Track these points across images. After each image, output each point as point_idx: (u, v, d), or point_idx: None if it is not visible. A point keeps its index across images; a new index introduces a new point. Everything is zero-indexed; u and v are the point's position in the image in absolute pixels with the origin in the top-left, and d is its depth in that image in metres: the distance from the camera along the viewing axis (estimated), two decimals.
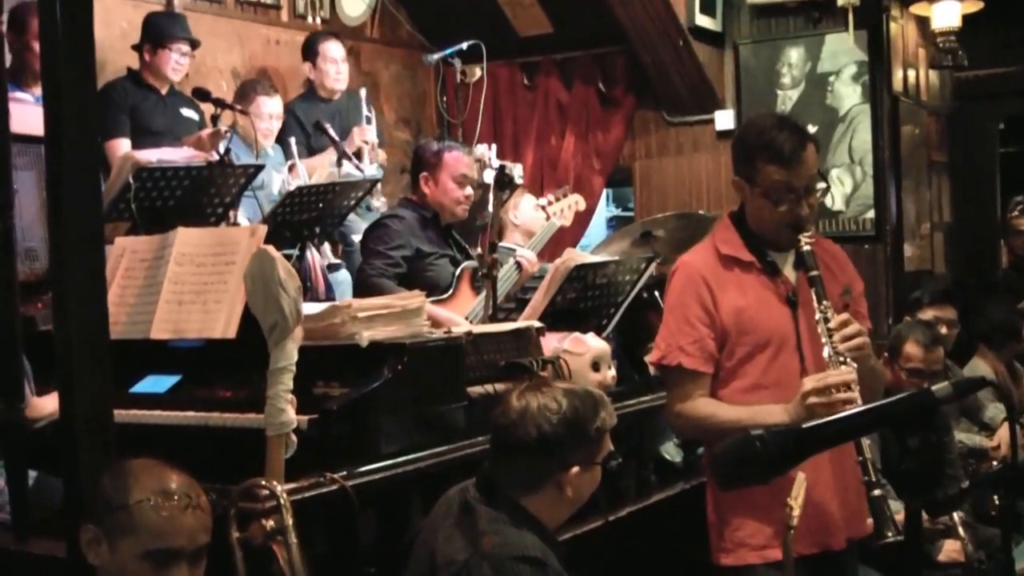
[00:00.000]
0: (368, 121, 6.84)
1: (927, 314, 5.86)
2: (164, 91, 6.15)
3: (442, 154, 5.71)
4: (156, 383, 3.86)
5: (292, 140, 6.40)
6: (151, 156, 5.13)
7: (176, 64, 6.10)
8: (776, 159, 3.42)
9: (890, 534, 3.16)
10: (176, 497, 2.58)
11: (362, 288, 5.45)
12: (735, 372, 3.51)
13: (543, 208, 6.36)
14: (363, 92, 7.01)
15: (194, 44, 6.19)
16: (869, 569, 4.48)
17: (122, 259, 4.09)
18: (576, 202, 6.43)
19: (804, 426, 2.02)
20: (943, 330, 5.80)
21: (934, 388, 1.99)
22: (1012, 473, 3.33)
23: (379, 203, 6.61)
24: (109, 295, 3.84)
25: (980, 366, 6.51)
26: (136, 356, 3.87)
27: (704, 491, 3.70)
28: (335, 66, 7.00)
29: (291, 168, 6.14)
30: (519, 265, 5.67)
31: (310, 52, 7.06)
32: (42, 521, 3.46)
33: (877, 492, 3.22)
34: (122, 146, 5.79)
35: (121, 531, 2.55)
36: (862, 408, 2.36)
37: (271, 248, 3.13)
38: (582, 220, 6.93)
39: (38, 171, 4.49)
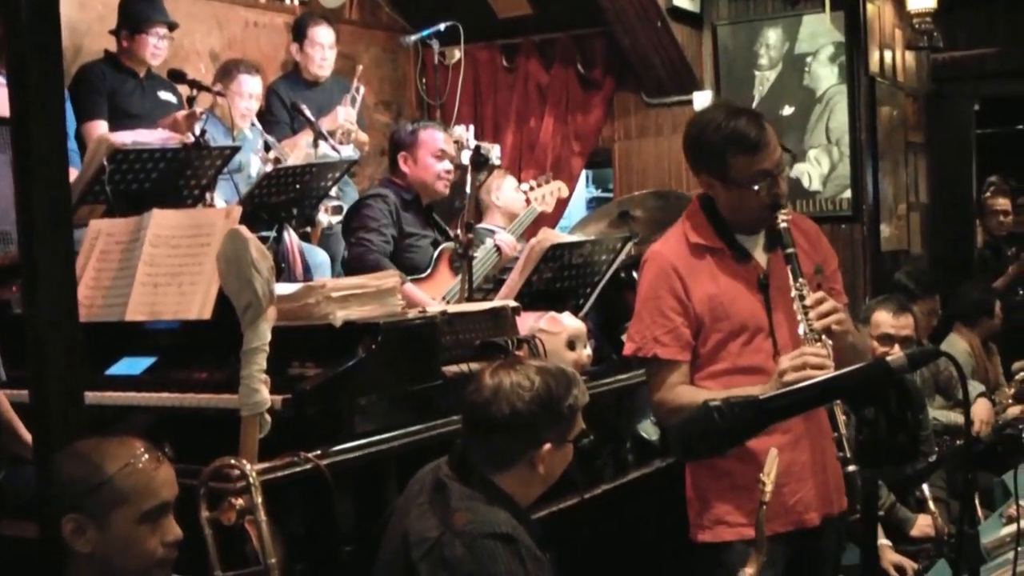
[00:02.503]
0: (353, 102, 6.83)
1: (921, 306, 5.89)
2: (142, 74, 6.13)
3: (418, 132, 5.72)
4: (131, 365, 3.87)
5: (256, 121, 6.38)
6: (126, 138, 5.10)
7: (155, 48, 6.08)
8: (745, 148, 3.42)
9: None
10: (147, 456, 2.63)
11: (357, 264, 5.40)
12: (711, 358, 3.53)
13: (525, 193, 6.39)
14: (358, 72, 7.01)
15: (172, 26, 6.16)
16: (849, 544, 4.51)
17: (97, 242, 4.09)
18: (558, 188, 6.48)
19: (761, 397, 2.04)
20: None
21: (889, 358, 2.01)
22: (969, 448, 3.36)
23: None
24: (84, 278, 3.87)
25: (956, 343, 6.56)
26: (112, 338, 3.88)
27: (681, 469, 3.73)
28: (321, 52, 6.98)
29: (266, 148, 6.13)
30: (498, 248, 5.69)
31: (299, 34, 7.05)
32: (14, 504, 3.46)
33: (852, 468, 3.25)
34: (99, 128, 5.77)
35: (109, 506, 2.57)
36: (818, 379, 2.38)
37: (243, 228, 3.13)
38: (561, 201, 6.95)
39: (11, 153, 4.47)
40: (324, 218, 5.99)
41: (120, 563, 2.60)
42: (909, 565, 4.68)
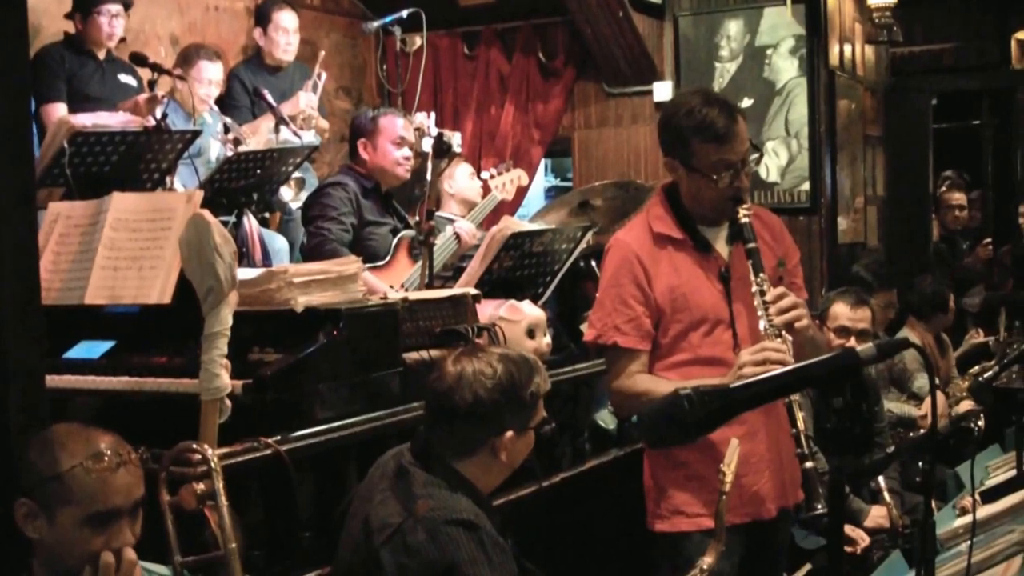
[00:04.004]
0: (314, 88, 6.81)
1: (878, 299, 5.93)
2: (102, 56, 6.07)
3: (378, 119, 5.70)
4: (90, 349, 3.84)
5: (213, 106, 6.36)
6: (86, 121, 5.07)
7: (109, 28, 6.01)
8: (712, 138, 3.43)
9: (819, 506, 3.22)
10: (107, 457, 2.57)
11: (314, 253, 5.36)
12: (671, 349, 3.55)
13: (485, 182, 6.39)
14: (320, 57, 7.00)
15: (127, 4, 6.10)
16: (805, 532, 4.55)
17: (56, 225, 4.05)
18: (519, 176, 6.47)
19: (731, 385, 2.06)
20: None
21: (858, 348, 2.03)
22: (934, 440, 3.39)
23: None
24: (43, 261, 3.83)
25: (909, 337, 6.61)
26: (70, 322, 3.85)
27: (638, 458, 3.75)
28: (286, 36, 6.95)
29: (225, 130, 6.10)
30: (458, 236, 5.69)
31: (262, 18, 7.01)
32: None
33: (809, 464, 3.28)
34: (58, 111, 5.72)
35: (57, 501, 2.54)
36: (787, 368, 2.40)
37: (206, 213, 3.11)
38: (521, 189, 6.95)
39: None
40: (287, 192, 5.97)
41: (63, 559, 2.56)
42: (859, 535, 4.74)
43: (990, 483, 3.99)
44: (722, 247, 3.57)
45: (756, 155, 3.57)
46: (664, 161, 3.60)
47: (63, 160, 4.62)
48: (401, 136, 5.69)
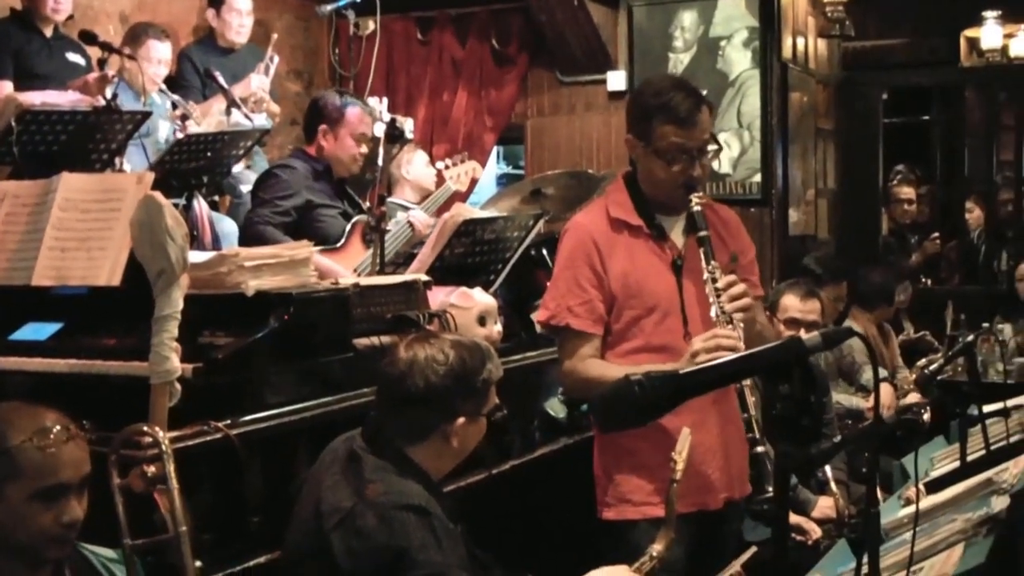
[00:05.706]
0: (267, 71, 6.76)
1: (828, 292, 5.98)
2: (49, 34, 6.00)
3: (345, 110, 5.66)
4: (36, 330, 3.79)
5: (162, 86, 6.31)
6: (35, 99, 5.03)
7: (54, 4, 5.93)
8: (672, 120, 3.47)
9: (770, 489, 3.23)
10: (54, 432, 2.57)
11: (247, 235, 5.38)
12: (623, 335, 3.57)
13: (440, 172, 6.38)
14: (273, 40, 6.95)
15: None
16: (754, 523, 4.57)
17: (3, 204, 4.00)
18: (473, 168, 6.46)
19: (681, 371, 2.08)
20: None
21: (804, 337, 2.06)
22: (878, 428, 3.42)
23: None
24: None
25: (853, 328, 6.65)
26: (17, 303, 3.81)
27: (588, 447, 3.76)
28: (239, 18, 6.90)
29: (173, 107, 6.06)
30: (411, 225, 5.67)
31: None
32: None
33: (760, 449, 3.30)
34: (4, 88, 5.65)
35: (5, 477, 2.53)
36: (735, 355, 2.43)
37: (158, 194, 3.09)
38: (474, 179, 6.94)
39: None
40: (239, 167, 5.94)
41: (11, 535, 2.55)
42: (812, 528, 4.77)
43: (934, 474, 4.03)
44: (678, 237, 3.60)
45: (716, 148, 3.59)
46: (625, 138, 3.62)
47: (11, 138, 4.57)
48: (363, 133, 5.68)
